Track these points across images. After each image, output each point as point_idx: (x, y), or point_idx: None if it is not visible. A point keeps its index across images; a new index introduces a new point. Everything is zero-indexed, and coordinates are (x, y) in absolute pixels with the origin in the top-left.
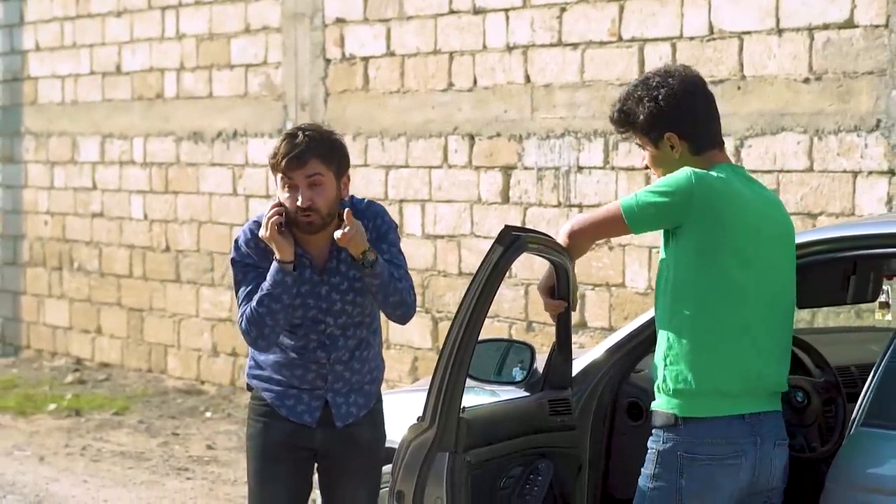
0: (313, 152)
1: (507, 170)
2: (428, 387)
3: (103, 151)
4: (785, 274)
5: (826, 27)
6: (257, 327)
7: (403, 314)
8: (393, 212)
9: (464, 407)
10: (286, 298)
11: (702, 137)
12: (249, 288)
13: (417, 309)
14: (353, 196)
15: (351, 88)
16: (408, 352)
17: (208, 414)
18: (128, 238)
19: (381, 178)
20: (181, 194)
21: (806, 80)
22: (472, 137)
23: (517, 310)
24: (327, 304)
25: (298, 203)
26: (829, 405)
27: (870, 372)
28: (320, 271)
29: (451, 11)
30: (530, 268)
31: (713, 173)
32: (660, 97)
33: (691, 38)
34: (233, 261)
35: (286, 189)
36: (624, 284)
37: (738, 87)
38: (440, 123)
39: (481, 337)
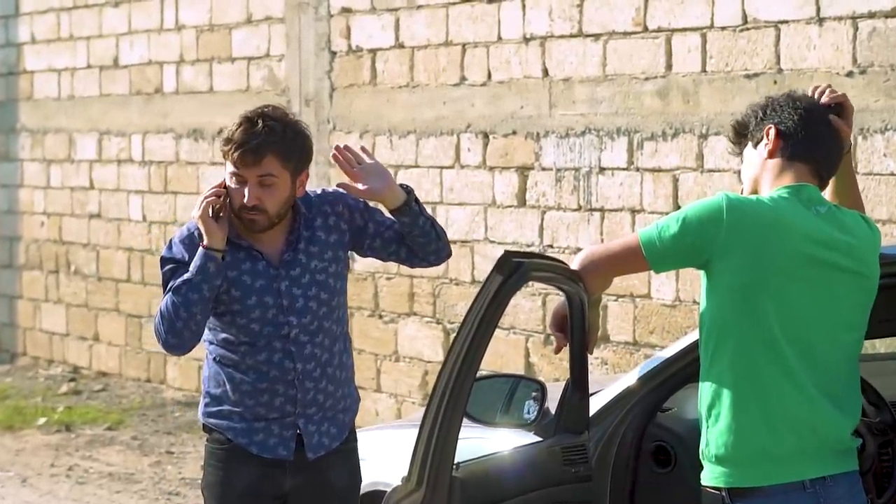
0: (271, 148)
1: (523, 170)
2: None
3: (101, 149)
4: (844, 309)
5: (872, 16)
6: (168, 321)
7: (447, 241)
8: None
9: (457, 463)
10: (206, 290)
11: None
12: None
13: (427, 320)
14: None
15: (358, 83)
16: (418, 365)
17: None
18: (126, 240)
19: None
20: (181, 195)
21: (849, 74)
22: (486, 135)
23: (534, 321)
24: (288, 301)
25: (245, 200)
26: (885, 448)
27: None
28: (276, 264)
29: (464, 0)
30: None
31: (755, 197)
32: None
33: (723, 28)
34: (162, 259)
35: (234, 181)
36: (650, 295)
37: (775, 82)
38: (452, 120)
39: (484, 373)
